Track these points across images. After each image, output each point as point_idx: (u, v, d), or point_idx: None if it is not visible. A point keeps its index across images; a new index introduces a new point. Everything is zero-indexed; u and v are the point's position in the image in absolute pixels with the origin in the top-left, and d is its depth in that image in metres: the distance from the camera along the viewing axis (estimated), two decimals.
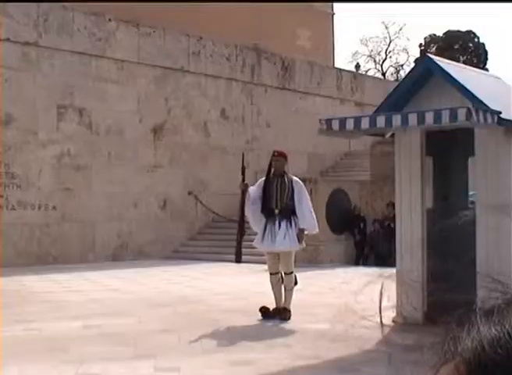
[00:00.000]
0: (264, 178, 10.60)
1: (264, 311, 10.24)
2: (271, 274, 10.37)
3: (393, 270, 10.44)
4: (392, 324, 9.57)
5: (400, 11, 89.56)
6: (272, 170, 10.56)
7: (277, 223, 10.19)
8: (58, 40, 20.40)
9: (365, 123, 9.23)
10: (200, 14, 28.98)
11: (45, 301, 12.34)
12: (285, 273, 10.30)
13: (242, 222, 10.46)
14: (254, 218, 10.38)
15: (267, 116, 26.27)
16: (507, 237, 9.27)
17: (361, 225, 21.01)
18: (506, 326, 0.65)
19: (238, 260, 10.51)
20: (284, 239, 10.13)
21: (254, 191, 10.44)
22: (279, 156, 10.62)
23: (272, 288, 10.41)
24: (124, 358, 7.69)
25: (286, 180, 10.44)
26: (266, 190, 10.35)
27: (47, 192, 19.91)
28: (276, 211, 10.24)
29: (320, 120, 9.86)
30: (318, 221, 10.74)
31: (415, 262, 9.93)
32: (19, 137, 19.46)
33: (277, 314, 10.20)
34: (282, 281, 10.35)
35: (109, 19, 21.71)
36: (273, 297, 10.38)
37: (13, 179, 19.30)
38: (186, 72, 23.63)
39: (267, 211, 10.27)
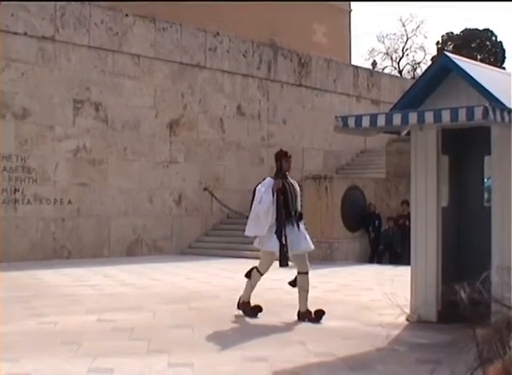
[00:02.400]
0: (269, 179, 10.23)
1: (253, 308, 10.22)
2: (261, 274, 10.26)
3: (408, 268, 10.44)
4: (406, 322, 9.55)
5: (417, 9, 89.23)
6: (283, 171, 10.29)
7: (295, 225, 10.12)
8: (75, 34, 20.46)
9: (381, 121, 9.19)
10: (217, 9, 28.99)
11: (60, 295, 12.39)
12: (305, 273, 10.07)
13: (281, 223, 9.94)
14: (267, 220, 10.00)
15: (283, 113, 26.26)
16: None
17: (376, 222, 20.97)
18: None
19: (284, 264, 9.90)
20: (305, 240, 10.11)
21: (267, 193, 10.06)
22: (290, 157, 10.48)
23: (253, 286, 10.32)
24: (138, 353, 7.70)
25: (291, 181, 10.39)
26: (284, 193, 10.06)
27: (63, 186, 19.98)
28: (293, 213, 10.16)
29: (336, 117, 9.82)
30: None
31: (430, 260, 9.91)
32: (35, 131, 19.54)
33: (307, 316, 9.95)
34: (295, 283, 10.20)
35: (126, 15, 21.75)
36: (245, 292, 10.34)
37: (29, 173, 19.38)
38: (202, 67, 23.65)
39: (286, 214, 10.01)
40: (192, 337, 8.67)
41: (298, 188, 10.54)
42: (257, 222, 10.09)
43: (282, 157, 10.40)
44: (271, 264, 10.25)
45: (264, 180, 10.37)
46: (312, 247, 10.37)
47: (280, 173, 10.26)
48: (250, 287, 10.34)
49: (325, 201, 19.39)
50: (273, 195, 9.96)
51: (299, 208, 10.32)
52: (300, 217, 10.24)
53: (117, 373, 6.84)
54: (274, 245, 9.92)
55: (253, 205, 10.17)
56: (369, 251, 20.75)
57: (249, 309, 10.26)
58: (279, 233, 9.87)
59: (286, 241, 9.87)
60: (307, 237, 10.20)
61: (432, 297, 9.73)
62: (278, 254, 9.94)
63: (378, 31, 69.95)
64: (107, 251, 20.67)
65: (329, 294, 12.59)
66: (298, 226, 10.12)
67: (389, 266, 18.59)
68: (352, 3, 40.21)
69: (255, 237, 10.35)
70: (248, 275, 10.38)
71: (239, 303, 10.42)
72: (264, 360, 7.38)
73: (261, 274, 10.29)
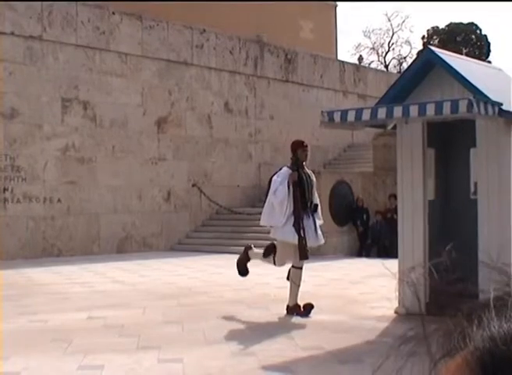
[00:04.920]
0: (286, 169, 10.04)
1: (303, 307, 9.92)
2: (297, 268, 9.97)
3: (396, 261, 10.44)
4: (394, 315, 9.57)
5: (403, 3, 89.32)
6: (299, 162, 10.05)
7: (310, 216, 9.98)
8: (62, 33, 20.38)
9: (366, 115, 9.21)
10: (203, 7, 28.93)
11: (50, 293, 12.36)
12: (299, 268, 9.95)
13: (299, 216, 9.75)
14: (282, 211, 9.81)
15: (270, 109, 26.24)
16: (508, 226, 9.26)
17: (364, 216, 21.01)
18: None
19: (304, 257, 9.76)
20: (316, 234, 9.97)
21: (283, 184, 9.89)
22: (307, 147, 10.19)
23: (298, 284, 9.96)
24: (128, 349, 7.70)
25: (308, 172, 10.21)
26: (300, 184, 9.89)
27: (52, 185, 19.92)
28: (309, 204, 9.99)
29: (322, 112, 9.83)
30: (321, 212, 10.56)
31: (417, 253, 9.92)
32: (24, 130, 19.46)
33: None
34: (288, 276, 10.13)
35: (113, 13, 21.68)
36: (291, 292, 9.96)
37: (18, 172, 19.31)
38: (189, 65, 23.60)
39: (302, 206, 9.85)
40: (181, 333, 8.66)
41: (314, 179, 10.37)
42: (272, 212, 9.91)
43: (298, 147, 10.16)
44: (287, 257, 10.02)
45: (280, 169, 10.16)
46: (322, 241, 10.26)
47: (296, 164, 10.05)
48: (296, 288, 9.97)
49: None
50: (289, 188, 9.78)
51: (315, 200, 10.18)
52: (315, 208, 10.10)
53: (107, 369, 6.83)
54: (289, 236, 9.77)
55: (268, 196, 10.01)
56: (358, 245, 20.78)
57: (299, 310, 9.88)
58: (297, 226, 9.71)
59: (304, 234, 9.71)
60: (319, 231, 10.07)
61: (420, 289, 9.73)
62: (295, 245, 9.82)
63: (364, 26, 70.15)
64: (97, 249, 20.62)
65: (319, 288, 12.60)
66: (313, 218, 10.04)
67: (377, 259, 18.61)
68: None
69: (270, 228, 10.21)
70: (289, 277, 10.08)
71: (290, 309, 9.95)
72: (252, 355, 7.38)
73: (280, 265, 10.12)
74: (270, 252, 10.17)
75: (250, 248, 10.68)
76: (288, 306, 9.93)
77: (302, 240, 9.72)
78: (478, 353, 0.65)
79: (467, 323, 0.67)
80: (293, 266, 10.05)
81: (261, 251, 10.32)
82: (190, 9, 27.77)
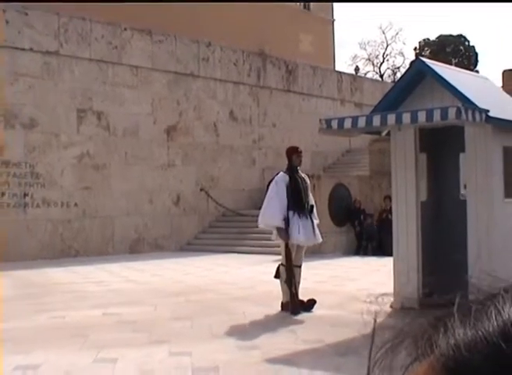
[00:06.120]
0: (282, 173, 10.09)
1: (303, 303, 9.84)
2: (296, 267, 9.88)
3: (391, 259, 10.44)
4: (390, 310, 9.55)
5: (396, 17, 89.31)
6: (293, 166, 10.12)
7: (308, 217, 9.96)
8: (77, 49, 20.41)
9: (362, 122, 9.22)
10: (209, 22, 28.95)
11: (68, 292, 12.37)
12: (298, 266, 9.92)
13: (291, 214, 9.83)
14: (281, 211, 9.82)
15: (272, 117, 26.23)
16: (495, 229, 9.26)
17: (361, 217, 20.99)
18: (482, 331, 0.64)
19: (295, 311, 9.66)
20: (313, 233, 9.97)
21: (279, 188, 9.90)
22: (301, 153, 10.30)
23: (298, 281, 9.91)
24: (140, 343, 7.70)
25: (303, 175, 10.26)
26: (296, 187, 9.90)
27: (69, 190, 19.94)
28: (306, 206, 9.98)
29: (320, 120, 9.84)
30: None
31: (410, 250, 9.92)
32: (42, 139, 19.49)
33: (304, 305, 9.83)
34: (277, 274, 10.07)
35: (124, 29, 21.70)
36: (290, 289, 9.79)
37: (37, 179, 19.34)
38: (196, 76, 23.61)
39: (299, 207, 9.85)
40: (190, 329, 8.66)
41: (309, 182, 10.40)
42: (269, 215, 9.92)
43: (293, 153, 10.24)
44: (293, 253, 9.93)
45: (277, 174, 10.22)
46: (320, 239, 10.25)
47: (291, 168, 10.11)
48: (296, 282, 9.91)
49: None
50: (286, 190, 9.80)
51: (310, 201, 10.20)
52: (311, 209, 10.08)
53: (121, 362, 6.83)
54: (291, 237, 9.77)
55: (265, 199, 10.06)
56: (355, 244, 20.76)
57: (298, 306, 9.79)
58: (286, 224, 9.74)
59: (294, 283, 9.72)
60: (317, 230, 10.04)
61: (414, 285, 9.74)
62: (304, 243, 9.89)
63: (360, 39, 70.12)
64: (111, 250, 20.62)
65: (319, 284, 12.59)
66: (311, 218, 10.03)
67: (373, 257, 18.60)
68: (335, 13, 40.21)
69: (272, 233, 10.18)
70: (277, 275, 10.01)
71: (284, 305, 9.88)
72: (257, 348, 7.38)
73: (297, 266, 9.91)
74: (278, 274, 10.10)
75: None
76: (282, 303, 9.91)
77: (293, 296, 9.66)
78: (444, 360, 0.64)
79: (433, 330, 0.67)
80: (299, 266, 10.02)
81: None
82: (196, 24, 27.80)
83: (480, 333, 0.64)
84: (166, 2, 27.30)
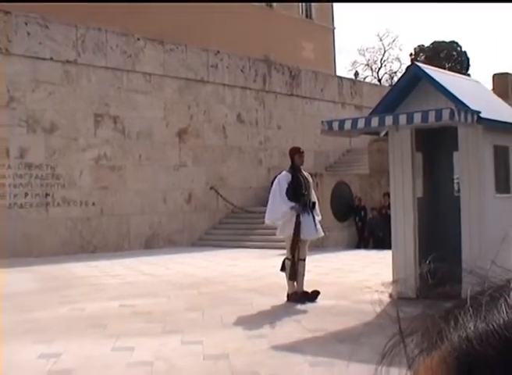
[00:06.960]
0: (284, 172, 10.08)
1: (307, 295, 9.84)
2: (301, 260, 9.86)
3: (390, 252, 10.43)
4: (388, 299, 9.52)
5: (393, 24, 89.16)
6: (296, 165, 10.11)
7: (310, 213, 9.94)
8: (94, 57, 20.43)
9: (361, 124, 9.21)
10: (217, 31, 28.96)
11: (87, 285, 12.39)
12: (303, 259, 9.90)
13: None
14: (282, 210, 9.78)
15: (277, 119, 26.20)
16: (487, 222, 9.24)
17: (362, 213, 20.97)
18: (493, 324, 0.61)
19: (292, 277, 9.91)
20: (316, 228, 9.96)
21: (283, 186, 9.88)
22: (303, 153, 10.31)
23: (302, 273, 9.91)
24: (155, 333, 7.71)
25: (305, 174, 10.27)
26: (298, 184, 9.90)
27: (87, 190, 19.97)
28: (308, 203, 9.95)
29: (322, 122, 9.85)
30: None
31: (408, 243, 9.92)
32: (62, 142, 19.52)
33: (308, 296, 9.82)
34: (283, 267, 10.08)
35: (138, 39, 21.71)
36: (297, 281, 9.85)
37: (58, 179, 19.38)
38: (205, 82, 23.60)
39: (301, 203, 9.82)
40: (202, 319, 8.67)
41: (311, 180, 10.40)
42: (273, 212, 9.94)
43: (295, 153, 10.24)
44: (302, 247, 9.95)
45: (280, 173, 10.26)
46: (322, 234, 10.27)
47: (294, 167, 10.12)
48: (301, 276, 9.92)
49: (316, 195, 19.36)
50: (288, 188, 9.82)
51: (313, 198, 10.20)
52: (313, 206, 10.07)
53: (137, 350, 6.85)
54: (288, 232, 9.81)
55: (269, 197, 10.08)
56: (356, 239, 20.74)
57: (303, 296, 9.79)
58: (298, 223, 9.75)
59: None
60: (318, 225, 10.04)
61: (411, 275, 9.72)
62: (308, 238, 9.93)
63: (359, 46, 69.96)
64: (127, 246, 20.64)
65: (322, 276, 12.59)
66: (313, 214, 10.03)
67: (373, 250, 18.58)
68: (335, 22, 40.14)
69: (276, 229, 10.21)
70: (283, 268, 10.01)
71: (289, 296, 9.86)
72: (264, 337, 7.39)
73: (301, 259, 9.89)
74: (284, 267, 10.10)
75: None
76: (288, 294, 9.92)
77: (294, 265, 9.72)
78: (455, 354, 0.62)
79: (444, 324, 0.65)
80: (304, 259, 10.02)
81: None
82: (205, 33, 27.81)
83: (491, 326, 0.62)
84: (177, 9, 27.29)
